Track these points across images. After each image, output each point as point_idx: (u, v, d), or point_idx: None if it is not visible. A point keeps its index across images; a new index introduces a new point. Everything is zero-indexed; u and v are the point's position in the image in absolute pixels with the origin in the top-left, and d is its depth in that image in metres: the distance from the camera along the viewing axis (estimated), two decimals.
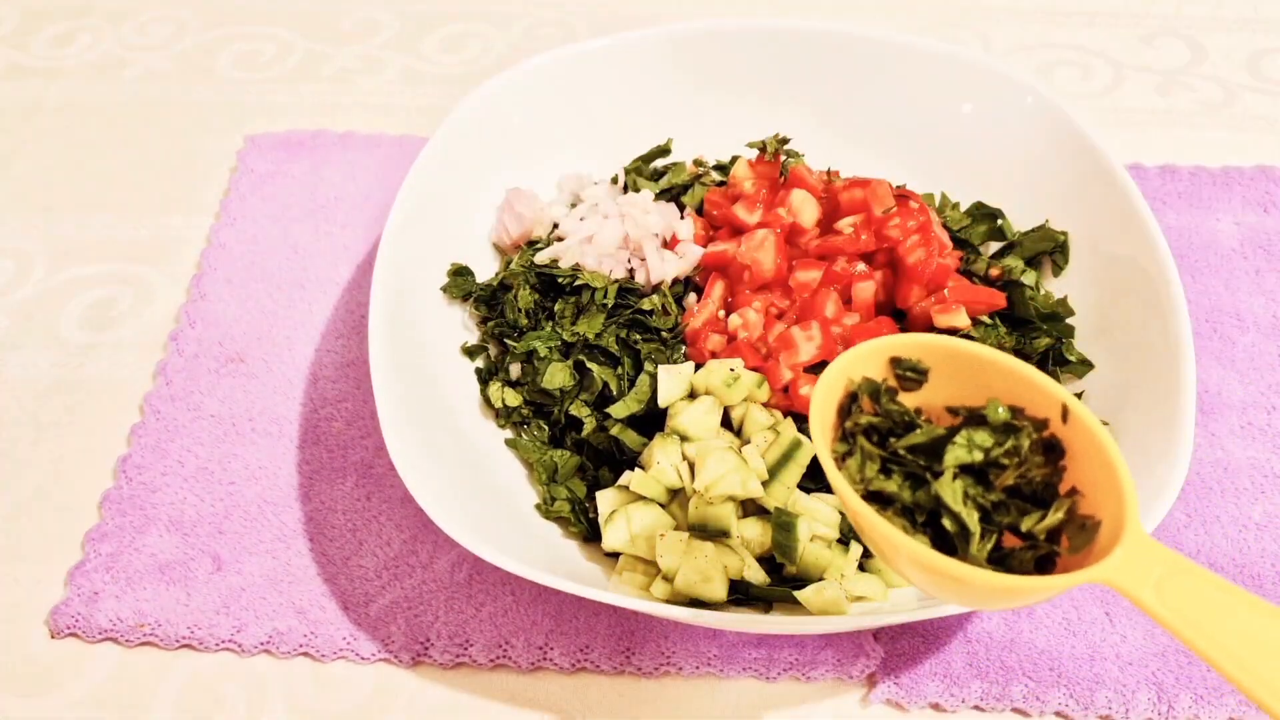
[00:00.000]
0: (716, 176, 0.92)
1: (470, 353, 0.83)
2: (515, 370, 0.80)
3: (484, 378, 0.82)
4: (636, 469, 0.73)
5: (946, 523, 0.52)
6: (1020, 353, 0.80)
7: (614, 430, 0.75)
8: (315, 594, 0.74)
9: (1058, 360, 0.79)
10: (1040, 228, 0.85)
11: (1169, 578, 0.47)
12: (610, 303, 0.80)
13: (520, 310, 0.82)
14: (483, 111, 0.89)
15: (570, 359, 0.79)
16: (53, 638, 0.73)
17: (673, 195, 0.90)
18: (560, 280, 0.82)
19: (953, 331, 0.78)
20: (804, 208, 0.83)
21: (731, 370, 0.73)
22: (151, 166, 1.04)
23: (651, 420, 0.76)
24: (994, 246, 0.88)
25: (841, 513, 0.70)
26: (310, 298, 0.92)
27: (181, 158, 1.05)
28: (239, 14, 1.20)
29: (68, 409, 0.85)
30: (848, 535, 0.71)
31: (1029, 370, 0.54)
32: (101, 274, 0.95)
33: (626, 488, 0.72)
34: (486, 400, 0.81)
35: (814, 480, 0.72)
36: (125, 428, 0.84)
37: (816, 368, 0.76)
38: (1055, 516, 0.51)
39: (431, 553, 0.76)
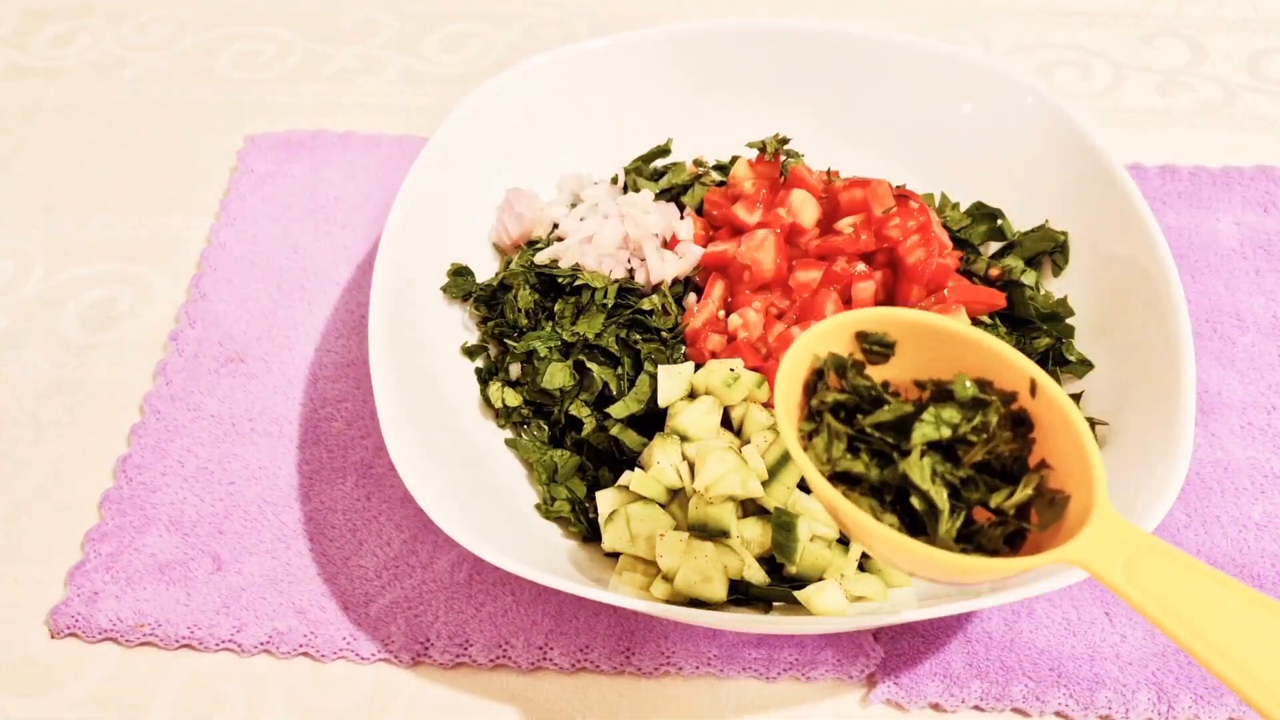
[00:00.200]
0: (716, 176, 0.92)
1: (470, 353, 0.83)
2: (515, 370, 0.80)
3: (484, 378, 0.82)
4: (636, 469, 0.73)
5: (915, 501, 0.51)
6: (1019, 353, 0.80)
7: (614, 430, 0.75)
8: (315, 594, 0.74)
9: (1058, 360, 0.79)
10: (1040, 228, 0.85)
11: (1138, 557, 0.47)
12: (610, 303, 0.80)
13: (520, 310, 0.82)
14: (483, 111, 0.89)
15: (570, 359, 0.79)
16: (53, 638, 0.73)
17: (673, 195, 0.90)
18: (560, 280, 0.82)
19: None
20: (804, 208, 0.83)
21: (731, 370, 0.73)
22: (151, 166, 1.04)
23: (651, 420, 0.76)
24: (994, 246, 0.88)
25: None
26: (310, 298, 0.92)
27: (181, 158, 1.05)
28: (239, 14, 1.20)
29: (68, 409, 0.85)
30: (848, 535, 0.71)
31: (996, 344, 0.53)
32: (101, 274, 0.95)
33: (626, 488, 0.71)
34: (486, 400, 0.81)
35: None
36: (125, 428, 0.84)
37: None
38: (1024, 493, 0.51)
39: (431, 553, 0.76)
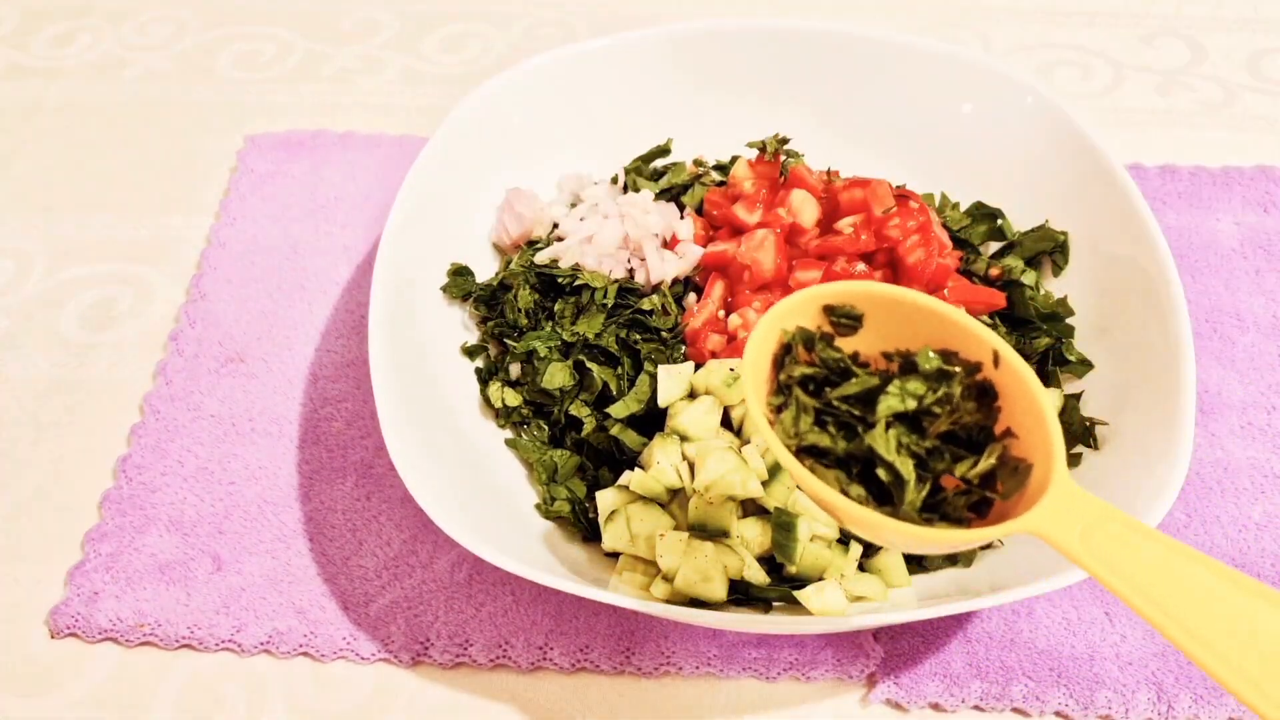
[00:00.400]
0: (716, 176, 0.92)
1: (470, 353, 0.83)
2: (515, 370, 0.80)
3: (484, 378, 0.82)
4: (636, 469, 0.73)
5: (881, 473, 0.52)
6: (1020, 353, 0.80)
7: (614, 430, 0.75)
8: (315, 594, 0.74)
9: (1058, 360, 0.79)
10: (1040, 228, 0.85)
11: (1094, 525, 0.47)
12: (610, 303, 0.80)
13: (520, 310, 0.82)
14: (483, 111, 0.89)
15: (570, 359, 0.79)
16: (53, 638, 0.73)
17: (673, 195, 0.90)
18: (560, 280, 0.82)
19: None
20: (804, 208, 0.83)
21: (731, 370, 0.73)
22: (151, 166, 1.04)
23: (651, 420, 0.76)
24: (994, 246, 0.88)
25: None
26: (310, 298, 0.92)
27: (181, 158, 1.05)
28: (239, 14, 1.20)
29: (68, 409, 0.85)
30: (848, 535, 0.71)
31: (960, 315, 0.54)
32: (101, 274, 0.95)
33: (626, 488, 0.71)
34: (486, 400, 0.81)
35: None
36: (125, 428, 0.84)
37: None
38: (987, 462, 0.52)
39: (431, 553, 0.76)
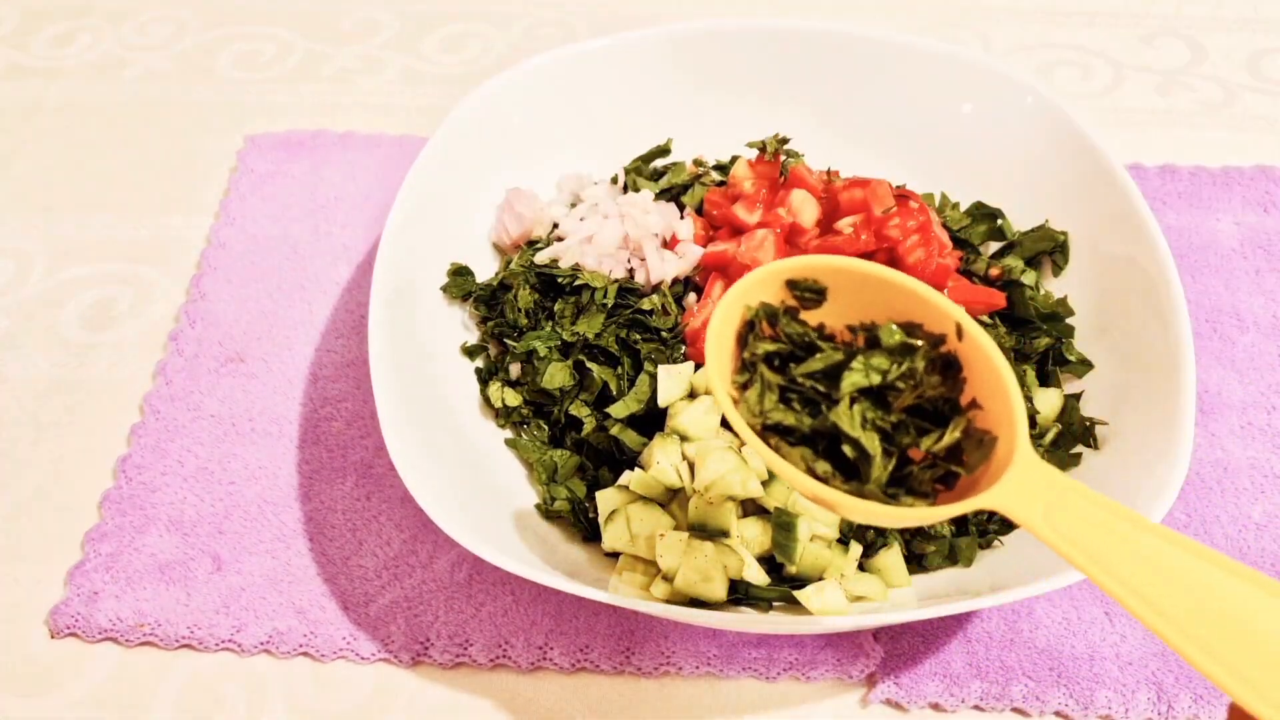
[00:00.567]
0: (716, 176, 0.92)
1: (470, 353, 0.83)
2: (515, 370, 0.80)
3: (484, 378, 0.82)
4: (636, 469, 0.73)
5: (846, 449, 0.52)
6: (1020, 353, 0.80)
7: (614, 430, 0.75)
8: (315, 594, 0.74)
9: (1058, 360, 0.79)
10: (1040, 228, 0.85)
11: (1058, 500, 0.47)
12: (610, 303, 0.80)
13: (520, 310, 0.82)
14: (483, 111, 0.89)
15: (570, 359, 0.79)
16: (53, 638, 0.73)
17: (673, 195, 0.90)
18: (560, 280, 0.82)
19: None
20: (804, 208, 0.83)
21: None
22: (151, 166, 1.04)
23: (651, 420, 0.76)
24: (994, 246, 0.88)
25: None
26: (310, 298, 0.92)
27: (181, 158, 1.05)
28: (239, 14, 1.20)
29: (68, 409, 0.85)
30: (848, 535, 0.71)
31: (922, 288, 0.53)
32: (101, 274, 0.95)
33: (626, 488, 0.72)
34: (486, 400, 0.81)
35: None
36: (125, 428, 0.84)
37: None
38: (952, 435, 0.52)
39: (431, 553, 0.76)
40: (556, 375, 0.78)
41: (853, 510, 0.51)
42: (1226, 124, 1.06)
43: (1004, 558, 0.71)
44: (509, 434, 0.80)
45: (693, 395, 0.74)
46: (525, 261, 0.84)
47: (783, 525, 0.67)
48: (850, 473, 0.53)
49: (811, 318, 0.56)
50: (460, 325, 0.84)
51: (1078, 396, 0.77)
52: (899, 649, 0.70)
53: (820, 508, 0.70)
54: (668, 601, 0.67)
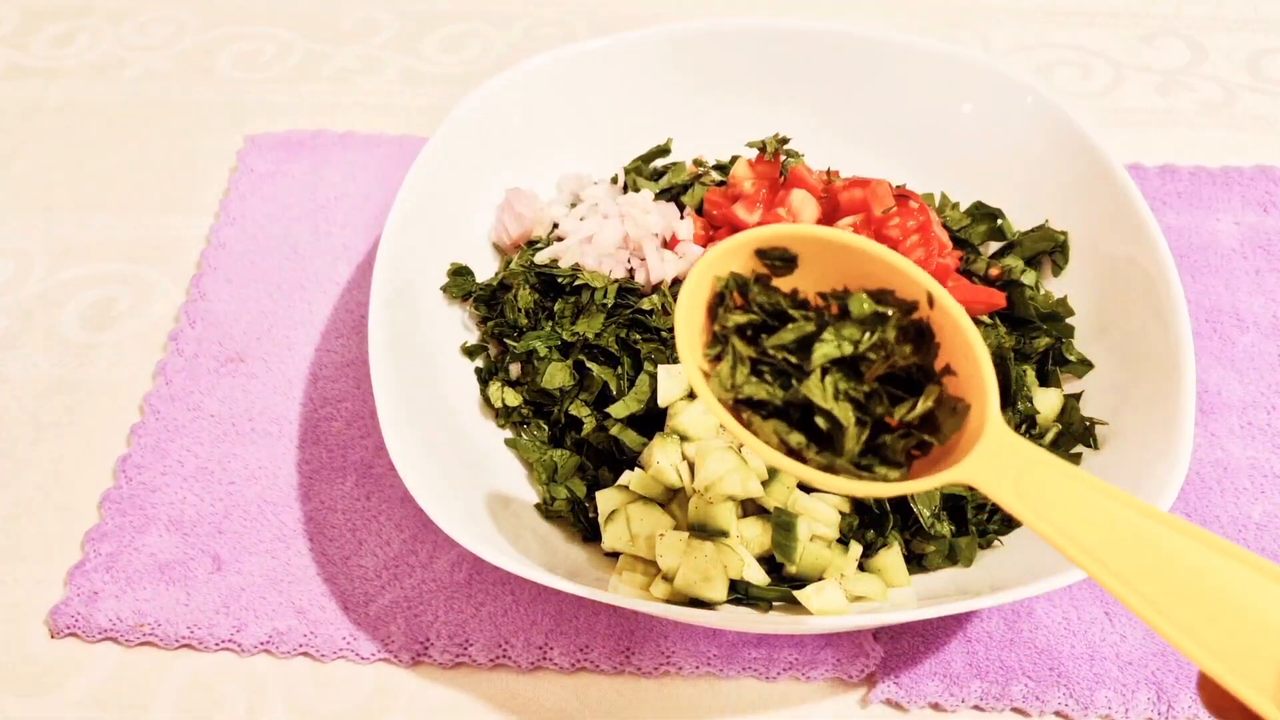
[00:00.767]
0: (716, 176, 0.92)
1: (470, 353, 0.83)
2: (515, 370, 0.80)
3: (484, 378, 0.82)
4: (636, 469, 0.73)
5: (819, 420, 0.52)
6: (1020, 353, 0.80)
7: (614, 430, 0.75)
8: (315, 594, 0.74)
9: (1058, 360, 0.79)
10: (1040, 228, 0.85)
11: (1028, 472, 0.47)
12: (610, 303, 0.80)
13: (520, 310, 0.82)
14: (483, 111, 0.89)
15: (570, 359, 0.79)
16: (53, 638, 0.73)
17: (673, 195, 0.90)
18: (560, 280, 0.82)
19: None
20: (804, 208, 0.83)
21: None
22: (151, 166, 1.04)
23: (651, 420, 0.76)
24: (994, 246, 0.88)
25: (842, 512, 0.71)
26: (310, 298, 0.92)
27: (181, 158, 1.05)
28: (239, 14, 1.20)
29: (68, 409, 0.85)
30: (847, 535, 0.71)
31: (892, 256, 0.53)
32: (101, 274, 0.95)
33: (626, 487, 0.72)
34: (486, 400, 0.81)
35: None
36: (125, 428, 0.84)
37: None
38: (925, 404, 0.51)
39: (431, 552, 0.76)
40: (556, 375, 0.78)
41: (826, 484, 0.51)
42: (1226, 124, 1.06)
43: (1004, 558, 0.71)
44: (509, 434, 0.80)
45: (692, 395, 0.74)
46: (525, 261, 0.84)
47: (783, 525, 0.67)
48: (824, 444, 0.52)
49: (783, 284, 0.55)
50: (460, 325, 0.84)
51: (1078, 396, 0.77)
52: (899, 649, 0.70)
53: (818, 508, 0.70)
54: (668, 601, 0.67)
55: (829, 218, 0.84)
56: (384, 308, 0.76)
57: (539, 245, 0.86)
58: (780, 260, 0.55)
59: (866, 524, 0.71)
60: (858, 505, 0.71)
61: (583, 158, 0.94)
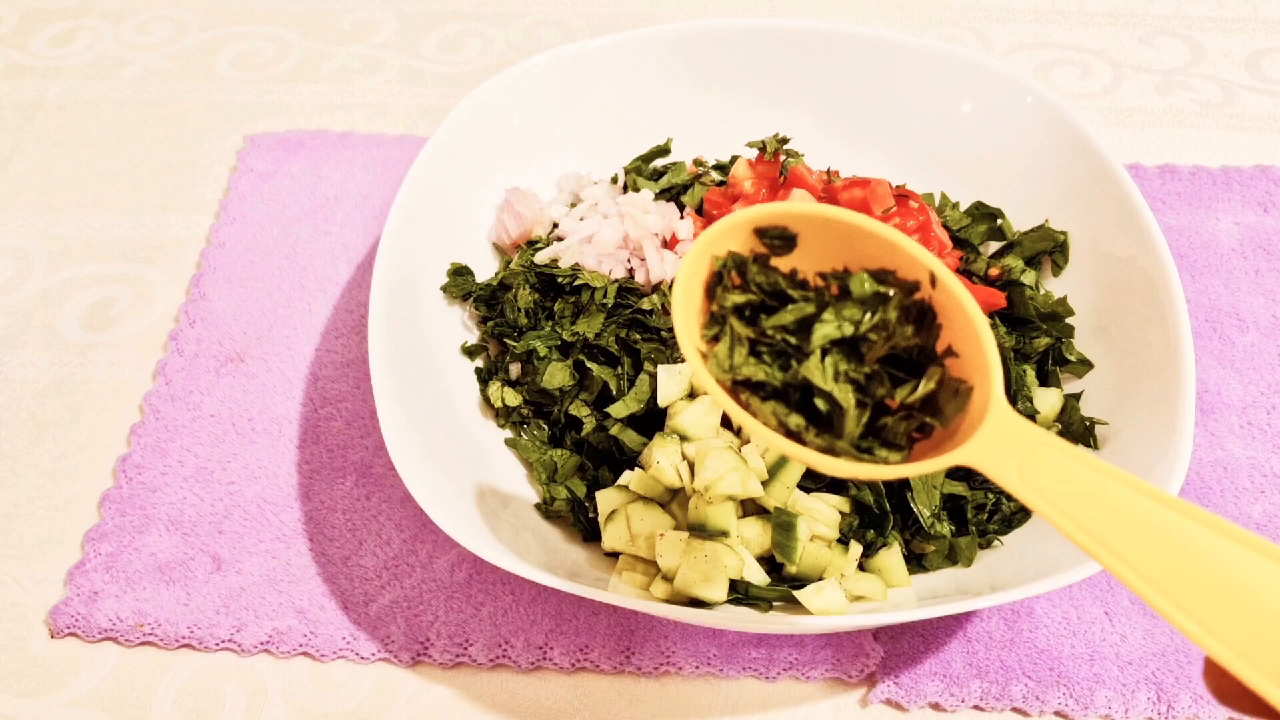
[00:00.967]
0: (716, 176, 0.92)
1: (470, 352, 0.83)
2: (515, 370, 0.80)
3: (484, 377, 0.82)
4: (636, 469, 0.73)
5: (819, 402, 0.51)
6: (1020, 352, 0.80)
7: (614, 430, 0.75)
8: (315, 594, 0.74)
9: (1058, 360, 0.79)
10: (1040, 228, 0.85)
11: (1031, 454, 0.46)
12: (610, 302, 0.80)
13: (520, 310, 0.82)
14: (483, 111, 0.89)
15: (570, 359, 0.79)
16: (53, 638, 0.73)
17: (673, 195, 0.90)
18: (560, 280, 0.82)
19: None
20: None
21: None
22: (151, 166, 1.04)
23: (651, 420, 0.76)
24: (994, 246, 0.88)
25: (842, 512, 0.71)
26: (310, 298, 0.92)
27: (181, 158, 1.05)
28: (239, 14, 1.20)
29: (68, 409, 0.85)
30: (847, 535, 0.71)
31: (895, 234, 0.52)
32: (101, 274, 0.95)
33: (626, 487, 0.72)
34: (486, 400, 0.81)
35: (814, 480, 0.72)
36: (125, 428, 0.84)
37: None
38: (927, 386, 0.50)
39: (431, 552, 0.76)
40: (556, 375, 0.78)
41: (825, 467, 0.50)
42: (1226, 124, 1.06)
43: (1004, 558, 0.71)
44: (509, 434, 0.80)
45: (693, 395, 0.74)
46: (525, 261, 0.84)
47: (783, 525, 0.67)
48: (824, 426, 0.52)
49: (783, 264, 0.54)
50: (460, 325, 0.84)
51: (1078, 396, 0.77)
52: (899, 649, 0.70)
53: (818, 508, 0.70)
54: (668, 601, 0.67)
55: None
56: (384, 308, 0.76)
57: (539, 245, 0.86)
58: (779, 239, 0.54)
59: (866, 524, 0.71)
60: (858, 505, 0.72)
61: (583, 158, 0.94)
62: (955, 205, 0.90)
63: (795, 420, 0.52)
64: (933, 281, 0.51)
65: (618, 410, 0.75)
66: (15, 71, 1.14)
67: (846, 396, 0.51)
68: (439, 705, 0.70)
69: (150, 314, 0.92)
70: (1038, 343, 0.80)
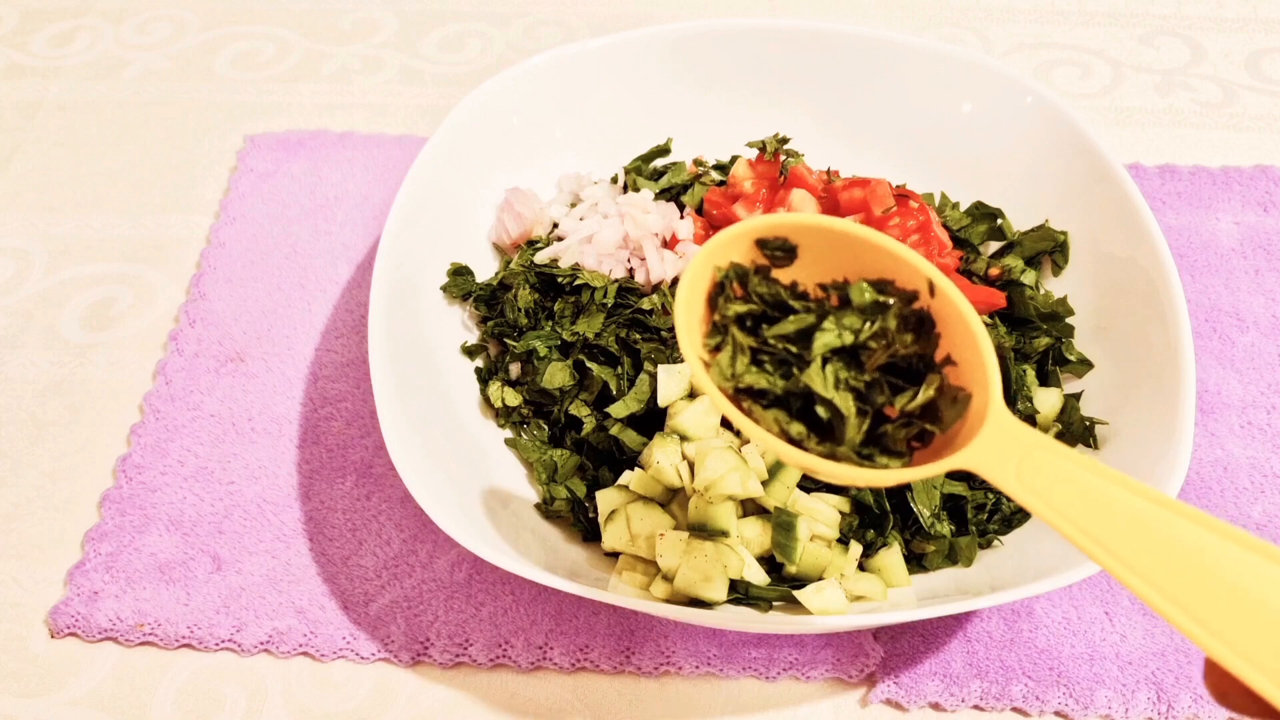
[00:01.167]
0: (716, 176, 0.92)
1: (470, 352, 0.83)
2: (515, 370, 0.80)
3: (484, 377, 0.82)
4: (636, 469, 0.73)
5: (820, 410, 0.52)
6: (1020, 352, 0.80)
7: (614, 430, 0.75)
8: (315, 594, 0.74)
9: (1058, 359, 0.79)
10: (1040, 228, 0.85)
11: (1029, 458, 0.47)
12: (610, 302, 0.80)
13: (520, 310, 0.82)
14: (483, 111, 0.89)
15: (570, 358, 0.79)
16: (53, 638, 0.73)
17: (673, 195, 0.90)
18: (560, 280, 0.82)
19: None
20: (804, 208, 0.83)
21: None
22: (151, 166, 1.04)
23: (651, 420, 0.76)
24: (994, 246, 0.88)
25: (842, 512, 0.71)
26: (310, 297, 0.92)
27: (181, 158, 1.05)
28: (239, 14, 1.20)
29: (68, 409, 0.85)
30: (847, 535, 0.71)
31: (893, 244, 0.52)
32: (101, 274, 0.95)
33: (626, 487, 0.72)
34: (486, 400, 0.81)
35: (814, 480, 0.72)
36: (125, 428, 0.84)
37: None
38: (926, 393, 0.51)
39: (431, 552, 0.76)
40: (556, 375, 0.78)
41: (827, 473, 0.51)
42: (1226, 124, 1.06)
43: (1004, 558, 0.71)
44: (509, 434, 0.80)
45: (693, 395, 0.74)
46: (525, 261, 0.84)
47: (783, 525, 0.67)
48: (825, 433, 0.52)
49: (783, 275, 0.55)
50: (460, 325, 0.84)
51: (1078, 396, 0.77)
52: (899, 649, 0.70)
53: (818, 508, 0.70)
54: (668, 601, 0.67)
55: None
56: (384, 308, 0.76)
57: (539, 245, 0.86)
58: (780, 251, 0.55)
59: (866, 524, 0.71)
60: (858, 505, 0.72)
61: (583, 158, 0.94)
62: (955, 205, 0.90)
63: (797, 428, 0.52)
64: (931, 290, 0.52)
65: (618, 410, 0.75)
66: (15, 71, 1.14)
67: (847, 404, 0.51)
68: (439, 705, 0.70)
69: (150, 314, 0.92)
70: (1038, 343, 0.80)
